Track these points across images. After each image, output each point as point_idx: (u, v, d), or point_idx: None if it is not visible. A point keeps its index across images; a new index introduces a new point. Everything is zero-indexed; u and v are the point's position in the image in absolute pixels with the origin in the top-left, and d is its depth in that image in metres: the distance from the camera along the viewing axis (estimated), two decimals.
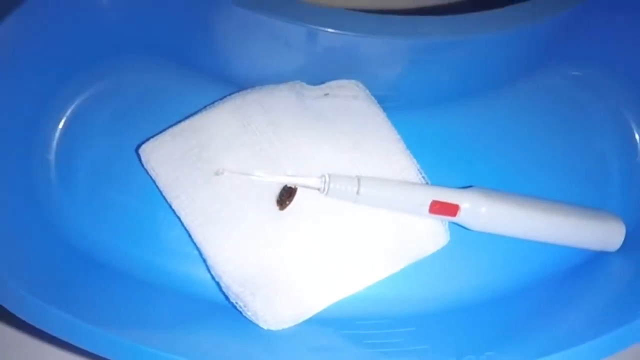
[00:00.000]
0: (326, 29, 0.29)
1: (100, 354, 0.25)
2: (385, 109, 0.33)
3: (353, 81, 0.33)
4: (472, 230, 0.32)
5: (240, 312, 0.30)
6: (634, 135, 0.36)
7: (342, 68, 0.33)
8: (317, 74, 0.33)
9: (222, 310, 0.32)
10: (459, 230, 0.33)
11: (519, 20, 0.30)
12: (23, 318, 0.25)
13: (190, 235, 0.31)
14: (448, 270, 0.34)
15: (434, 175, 0.33)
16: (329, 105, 0.33)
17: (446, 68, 0.33)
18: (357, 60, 0.32)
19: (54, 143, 0.33)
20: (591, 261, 0.34)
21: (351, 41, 0.30)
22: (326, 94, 0.33)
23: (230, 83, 0.33)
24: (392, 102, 0.33)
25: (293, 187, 0.32)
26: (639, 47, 0.34)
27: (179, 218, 0.32)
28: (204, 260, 0.31)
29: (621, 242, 0.34)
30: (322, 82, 0.33)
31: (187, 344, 0.27)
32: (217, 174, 0.31)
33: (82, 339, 0.25)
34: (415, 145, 0.33)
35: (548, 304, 0.33)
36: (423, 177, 0.33)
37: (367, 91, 0.33)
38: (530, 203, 0.32)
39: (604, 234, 0.33)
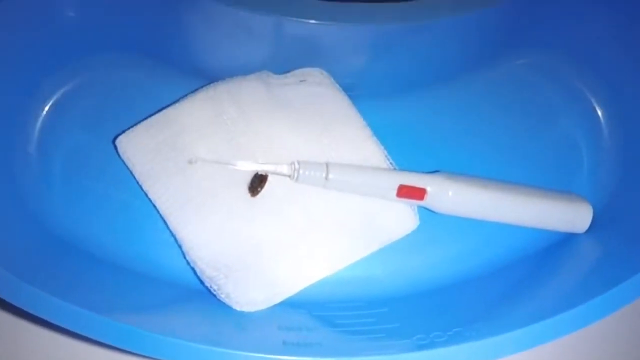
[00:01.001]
0: (288, 17, 0.30)
1: (70, 328, 0.25)
2: (349, 98, 0.34)
3: (317, 69, 0.34)
4: (441, 215, 0.33)
5: (215, 296, 0.31)
6: (598, 116, 0.36)
7: (306, 57, 0.34)
8: (283, 64, 0.34)
9: (197, 295, 0.32)
10: (429, 215, 0.33)
11: (475, 4, 0.32)
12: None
13: (165, 223, 0.32)
14: (419, 254, 0.34)
15: (400, 162, 0.34)
16: (295, 92, 0.34)
17: (407, 56, 0.34)
18: (321, 48, 0.33)
19: (35, 136, 0.34)
20: (560, 243, 0.35)
21: (313, 29, 0.31)
22: (296, 82, 0.34)
23: (202, 76, 0.35)
24: (357, 90, 0.35)
25: (264, 174, 0.32)
26: (593, 29, 0.35)
27: (154, 206, 0.33)
28: (179, 247, 0.32)
29: (589, 224, 0.34)
30: (288, 71, 0.35)
31: (158, 323, 0.28)
32: (190, 162, 0.32)
33: (55, 315, 0.25)
34: (381, 132, 0.34)
35: (518, 285, 0.33)
36: (391, 163, 0.34)
37: (332, 78, 0.34)
38: (497, 186, 0.33)
39: (571, 215, 0.34)
